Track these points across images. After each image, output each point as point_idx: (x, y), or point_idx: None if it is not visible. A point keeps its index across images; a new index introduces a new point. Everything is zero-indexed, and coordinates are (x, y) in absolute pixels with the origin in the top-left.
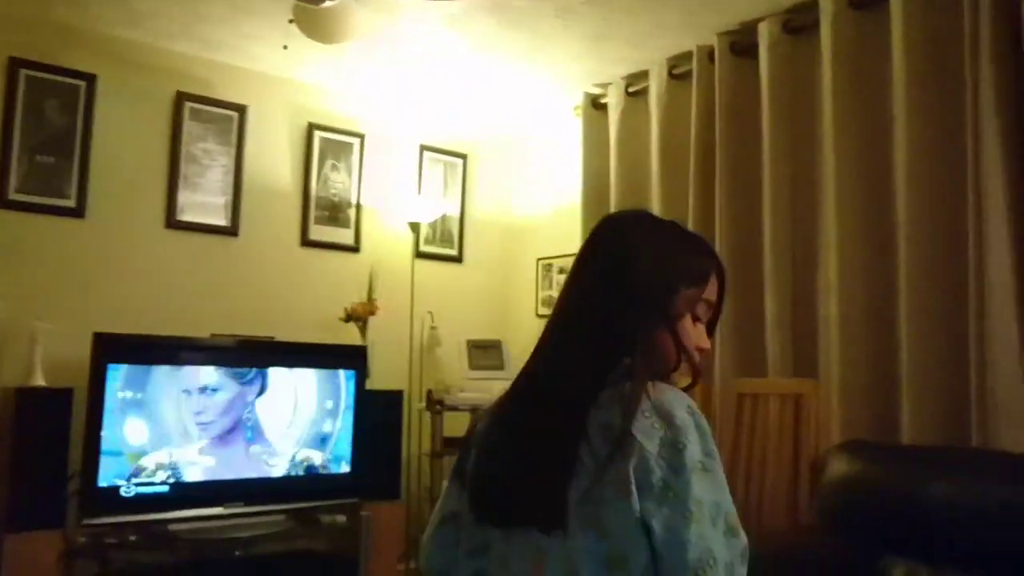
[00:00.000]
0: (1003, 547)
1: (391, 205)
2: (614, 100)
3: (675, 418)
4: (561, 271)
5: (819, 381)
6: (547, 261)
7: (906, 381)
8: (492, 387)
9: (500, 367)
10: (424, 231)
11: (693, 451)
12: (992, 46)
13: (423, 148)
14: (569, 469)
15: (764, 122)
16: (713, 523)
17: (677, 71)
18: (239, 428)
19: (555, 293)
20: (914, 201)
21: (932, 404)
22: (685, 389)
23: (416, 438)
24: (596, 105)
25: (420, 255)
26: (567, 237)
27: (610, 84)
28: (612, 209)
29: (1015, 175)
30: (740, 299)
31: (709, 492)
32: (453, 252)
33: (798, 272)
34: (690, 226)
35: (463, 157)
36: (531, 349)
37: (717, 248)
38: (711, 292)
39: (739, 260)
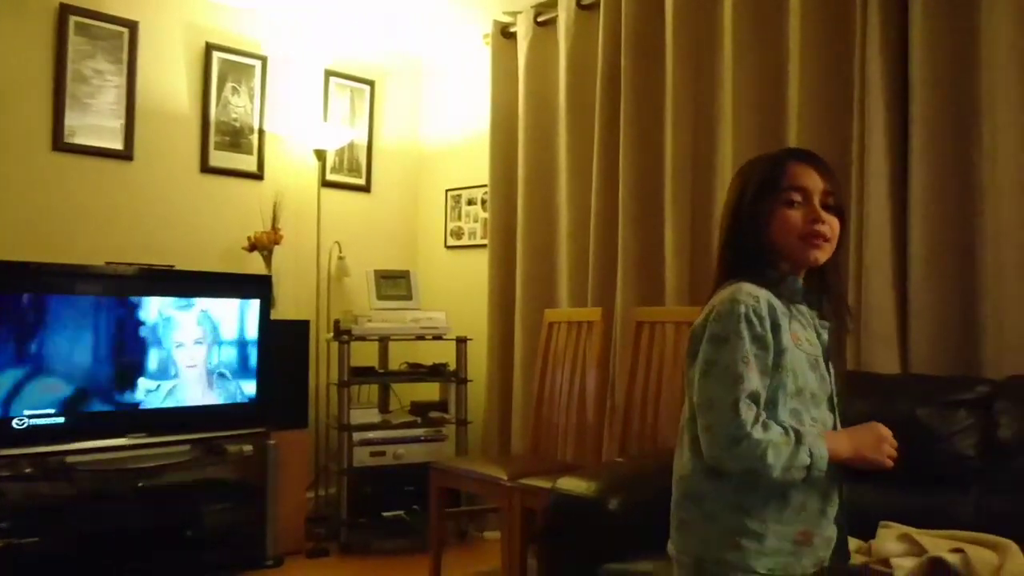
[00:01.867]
0: None
1: (296, 131)
2: (523, 29)
3: (716, 306)
4: (470, 202)
5: None
6: (456, 192)
7: None
8: (400, 317)
9: (408, 297)
10: (331, 159)
11: (715, 327)
12: None
13: (329, 73)
14: None
15: (668, 53)
16: (718, 379)
17: (585, 1)
18: (145, 365)
19: (463, 224)
20: (804, 133)
21: None
22: (802, 259)
23: (324, 368)
24: (505, 34)
25: (326, 184)
26: (476, 167)
27: (519, 13)
28: (520, 140)
29: (894, 110)
30: (641, 228)
31: (721, 355)
32: (360, 181)
33: (697, 202)
34: (594, 159)
35: (370, 83)
36: (440, 280)
37: (620, 179)
38: (793, 179)
39: (642, 190)
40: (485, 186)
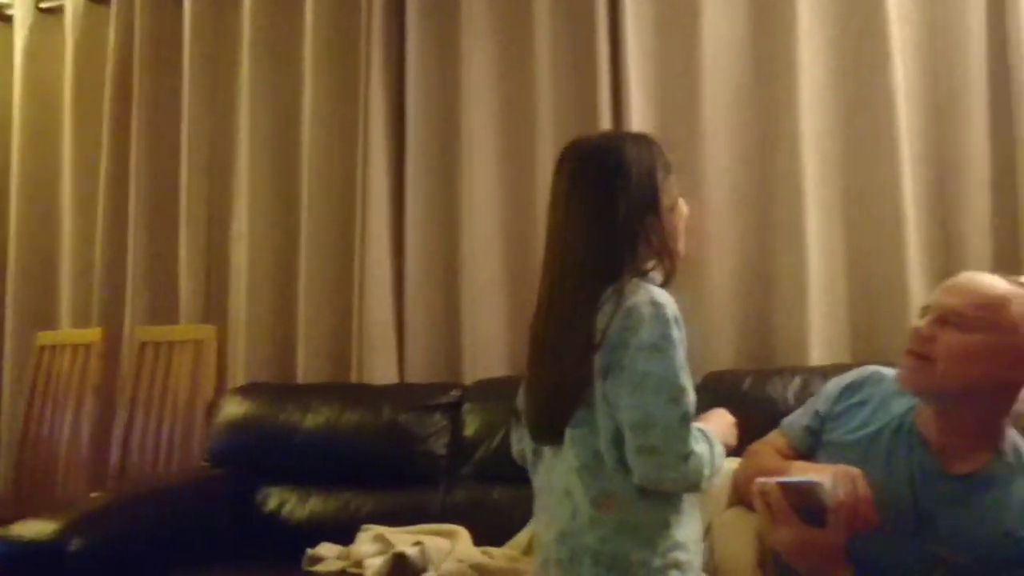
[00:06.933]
0: (356, 463)
1: None
2: (22, 13)
3: (634, 310)
4: None
5: (229, 327)
6: None
7: (303, 325)
8: None
9: None
10: None
11: (644, 335)
12: (383, 29)
13: None
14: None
15: (185, 66)
16: (656, 392)
17: None
18: None
19: None
20: (315, 159)
21: (323, 346)
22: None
23: None
24: (2, 16)
25: None
26: None
27: None
28: (15, 135)
29: (393, 143)
30: (153, 240)
31: (656, 365)
32: None
33: (214, 219)
34: (103, 163)
35: None
36: None
37: (131, 187)
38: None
39: (154, 206)
40: None
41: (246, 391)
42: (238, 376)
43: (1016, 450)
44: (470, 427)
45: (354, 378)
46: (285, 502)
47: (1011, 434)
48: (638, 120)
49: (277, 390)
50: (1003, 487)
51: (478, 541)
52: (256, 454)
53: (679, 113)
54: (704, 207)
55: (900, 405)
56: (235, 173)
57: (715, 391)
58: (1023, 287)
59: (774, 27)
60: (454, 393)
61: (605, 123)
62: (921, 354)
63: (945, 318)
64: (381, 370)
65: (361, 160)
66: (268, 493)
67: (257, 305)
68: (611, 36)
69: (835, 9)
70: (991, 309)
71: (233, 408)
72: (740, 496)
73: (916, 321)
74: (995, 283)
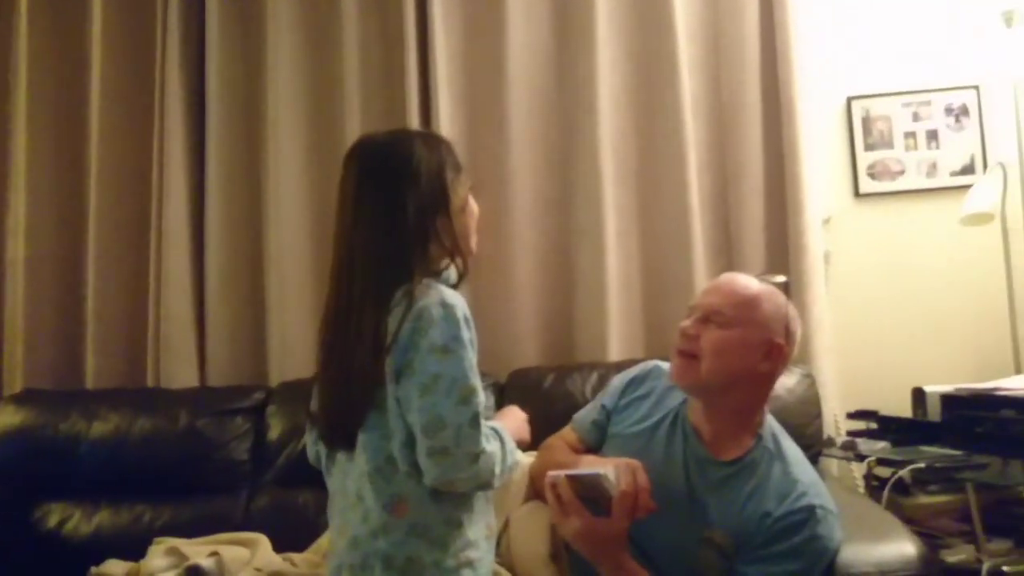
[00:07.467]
0: (150, 473)
1: None
2: None
3: (424, 312)
4: None
5: (5, 328)
6: None
7: (91, 327)
8: None
9: None
10: None
11: (434, 336)
12: (181, 10)
13: None
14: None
15: None
16: (447, 394)
17: None
18: None
19: None
20: (105, 147)
21: (115, 348)
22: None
23: None
24: None
25: None
26: None
27: None
28: None
29: (193, 121)
30: None
31: (447, 367)
32: None
33: None
34: None
35: None
36: None
37: None
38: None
39: None
40: None
41: (21, 399)
42: (15, 383)
43: (773, 436)
44: (274, 430)
45: (150, 383)
46: (68, 518)
47: (770, 421)
48: (446, 121)
49: (58, 397)
50: (763, 471)
51: (283, 547)
52: (33, 468)
53: (486, 115)
54: (509, 209)
55: (675, 398)
56: (10, 158)
57: (520, 388)
58: (773, 286)
59: (575, 37)
60: (257, 396)
61: (414, 122)
62: (688, 352)
63: (708, 317)
64: (181, 374)
65: (157, 150)
66: (48, 510)
67: (37, 304)
68: (420, 35)
69: (630, 24)
70: (746, 307)
71: (6, 418)
72: (536, 490)
73: (683, 322)
74: (749, 283)
